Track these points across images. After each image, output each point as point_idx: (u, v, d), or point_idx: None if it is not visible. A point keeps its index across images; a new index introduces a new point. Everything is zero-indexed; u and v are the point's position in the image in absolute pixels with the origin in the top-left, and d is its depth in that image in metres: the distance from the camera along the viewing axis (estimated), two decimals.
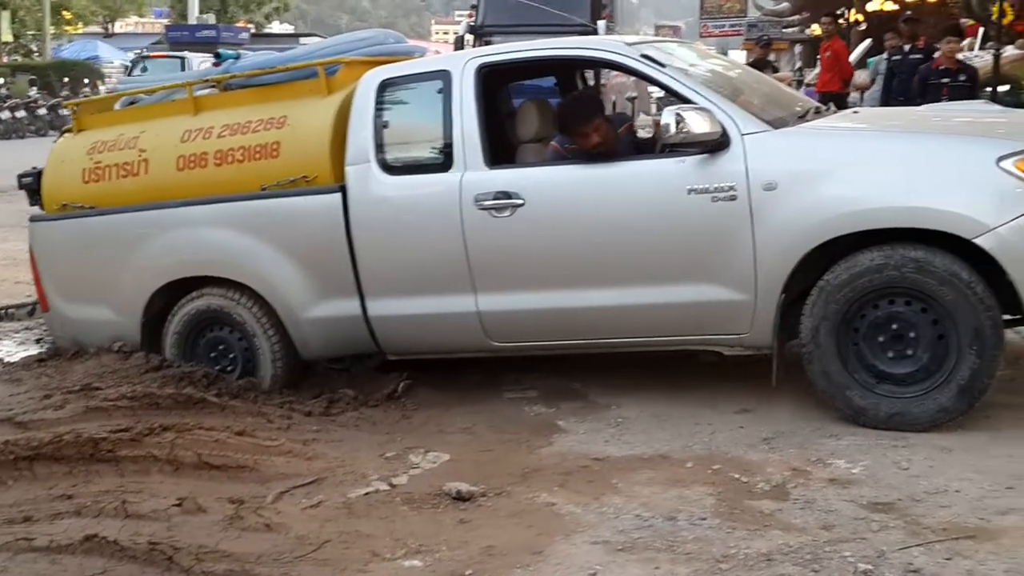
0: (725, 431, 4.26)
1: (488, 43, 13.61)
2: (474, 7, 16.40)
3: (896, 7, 19.89)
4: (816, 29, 21.49)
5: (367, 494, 3.77)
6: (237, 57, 5.60)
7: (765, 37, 13.80)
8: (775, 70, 14.39)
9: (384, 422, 4.65)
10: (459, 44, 16.44)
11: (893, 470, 3.72)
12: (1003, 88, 10.51)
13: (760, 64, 11.93)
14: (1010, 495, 3.46)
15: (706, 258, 4.41)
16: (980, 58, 11.81)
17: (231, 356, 5.21)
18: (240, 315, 5.11)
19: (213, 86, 5.48)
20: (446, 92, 4.85)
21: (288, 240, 5.01)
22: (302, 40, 22.74)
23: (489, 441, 4.33)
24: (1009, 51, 11.41)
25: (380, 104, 4.95)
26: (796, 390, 4.47)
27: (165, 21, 44.49)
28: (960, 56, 9.68)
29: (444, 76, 4.90)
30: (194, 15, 33.07)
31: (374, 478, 3.92)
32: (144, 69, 20.88)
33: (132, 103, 5.83)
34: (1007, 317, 4.22)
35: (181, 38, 27.22)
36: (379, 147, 4.90)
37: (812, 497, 3.55)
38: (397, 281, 4.89)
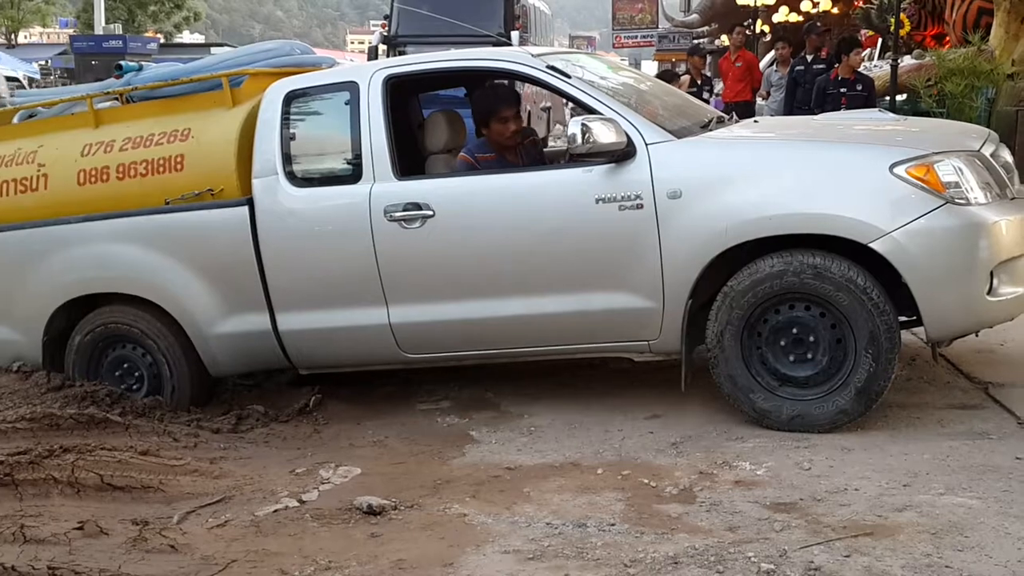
0: (635, 437, 4.31)
1: (402, 53, 13.62)
2: (387, 17, 16.39)
3: (801, 19, 20.47)
4: (726, 40, 21.97)
5: (276, 511, 3.72)
6: (139, 69, 5.48)
7: (699, 46, 14.03)
8: (676, 77, 14.75)
9: (294, 437, 4.60)
10: (372, 54, 16.40)
11: (795, 471, 3.81)
12: (901, 97, 10.86)
13: (683, 77, 12.13)
14: (907, 492, 3.57)
15: (615, 266, 4.46)
16: (879, 68, 12.19)
17: (137, 374, 5.10)
18: (145, 332, 5.01)
19: (115, 99, 5.37)
20: (354, 103, 4.83)
21: (194, 255, 4.93)
22: (213, 50, 22.41)
23: (401, 453, 4.31)
24: (906, 61, 11.79)
25: (287, 116, 4.90)
26: (704, 395, 4.55)
27: (71, 31, 43.37)
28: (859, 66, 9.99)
29: (352, 87, 4.87)
30: (100, 25, 32.35)
31: (283, 495, 3.87)
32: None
33: (31, 116, 5.68)
34: (904, 319, 4.37)
35: (87, 49, 26.59)
36: (286, 159, 4.86)
37: (718, 499, 3.61)
38: (307, 295, 4.85)
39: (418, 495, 3.81)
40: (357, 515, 3.64)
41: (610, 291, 4.49)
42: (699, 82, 11.67)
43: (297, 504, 3.78)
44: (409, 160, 5.00)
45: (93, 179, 5.09)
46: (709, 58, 12.85)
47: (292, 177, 4.85)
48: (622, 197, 4.40)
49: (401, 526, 3.56)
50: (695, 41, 25.44)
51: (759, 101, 12.70)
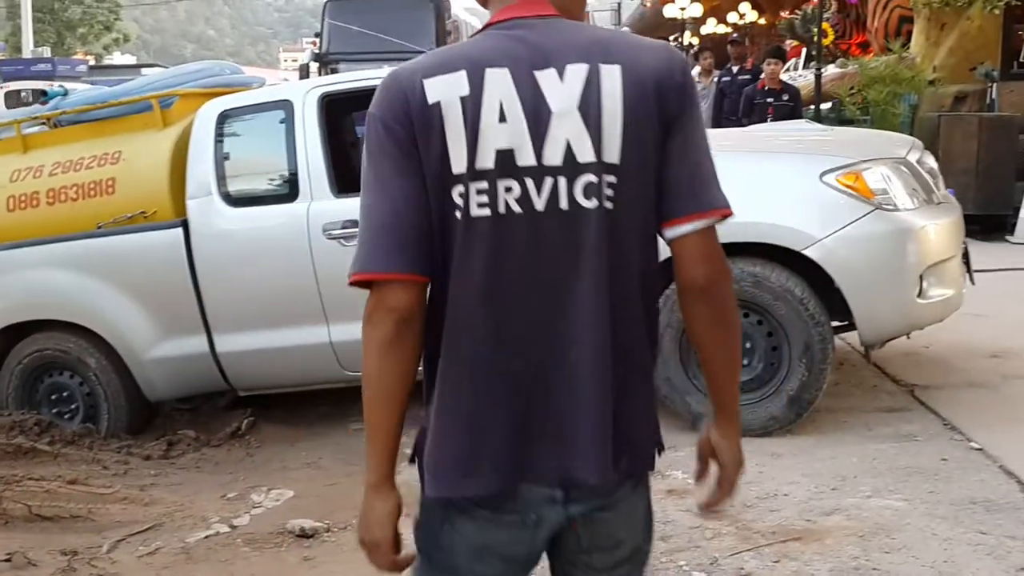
0: None
1: (334, 71, 13.51)
2: (319, 35, 16.30)
3: (729, 30, 20.79)
4: None
5: (207, 537, 3.67)
6: (65, 93, 5.42)
7: None
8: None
9: (226, 462, 4.55)
10: (304, 72, 16.32)
11: None
12: (825, 106, 11.03)
13: None
14: (835, 495, 3.61)
15: None
16: (803, 77, 12.37)
17: (73, 401, 5.02)
18: (80, 358, 4.93)
19: (43, 123, 5.29)
20: (288, 122, 4.81)
21: (128, 279, 4.87)
22: (144, 71, 22.17)
23: (335, 474, 4.27)
24: (830, 70, 11.98)
25: (220, 136, 4.87)
26: None
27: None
28: (784, 77, 10.15)
29: (286, 106, 4.85)
30: (28, 48, 31.87)
31: (214, 520, 3.82)
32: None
33: None
34: (836, 323, 4.42)
35: (15, 73, 26.09)
36: (221, 179, 4.82)
37: None
38: (246, 315, 4.80)
39: (352, 516, 3.72)
40: (290, 539, 3.61)
41: None
42: None
43: (228, 529, 3.74)
44: (347, 177, 4.98)
45: (23, 205, 5.02)
46: None
47: (227, 197, 4.81)
48: None
49: (335, 548, 3.53)
50: None
51: None
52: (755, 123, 8.32)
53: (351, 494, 4.03)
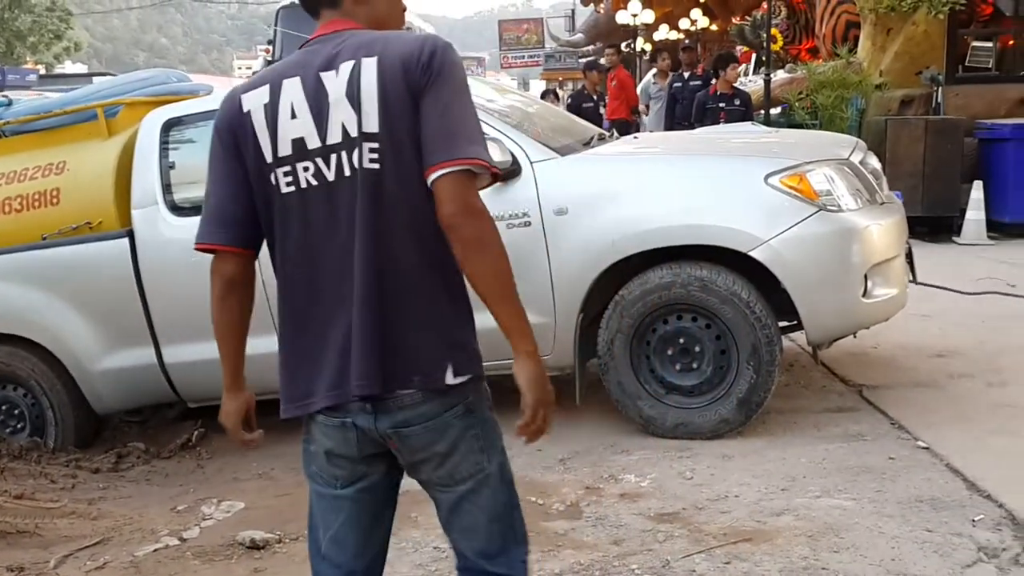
0: (523, 455, 4.25)
1: None
2: (271, 42, 16.21)
3: (681, 36, 20.98)
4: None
5: (156, 551, 3.62)
6: (9, 103, 5.33)
7: (596, 62, 14.26)
8: (557, 97, 15.07)
9: (177, 474, 4.50)
10: None
11: (678, 480, 3.86)
12: (775, 110, 11.16)
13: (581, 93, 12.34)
14: (784, 496, 3.64)
15: None
16: (753, 83, 12.51)
17: (20, 415, 4.93)
18: (25, 372, 4.84)
19: None
20: None
21: (74, 290, 4.80)
22: (95, 79, 21.86)
23: (287, 485, 4.22)
24: (780, 75, 12.12)
25: (165, 144, 4.81)
26: (592, 411, 4.58)
27: None
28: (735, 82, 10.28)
29: None
30: None
31: (163, 533, 3.77)
32: None
33: None
34: (784, 324, 4.46)
35: None
36: (166, 188, 4.77)
37: (604, 513, 3.63)
38: (194, 325, 4.69)
39: (304, 527, 3.67)
40: (240, 550, 3.56)
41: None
42: (595, 97, 11.87)
43: (178, 542, 3.69)
44: None
45: None
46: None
47: (173, 206, 4.75)
48: (510, 215, 4.40)
49: (286, 559, 3.49)
50: (581, 60, 25.88)
51: (644, 117, 12.98)
52: (706, 127, 8.39)
53: (303, 504, 3.97)
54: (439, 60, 1.81)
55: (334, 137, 1.82)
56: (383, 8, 1.96)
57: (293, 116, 1.84)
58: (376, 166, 1.80)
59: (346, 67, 1.81)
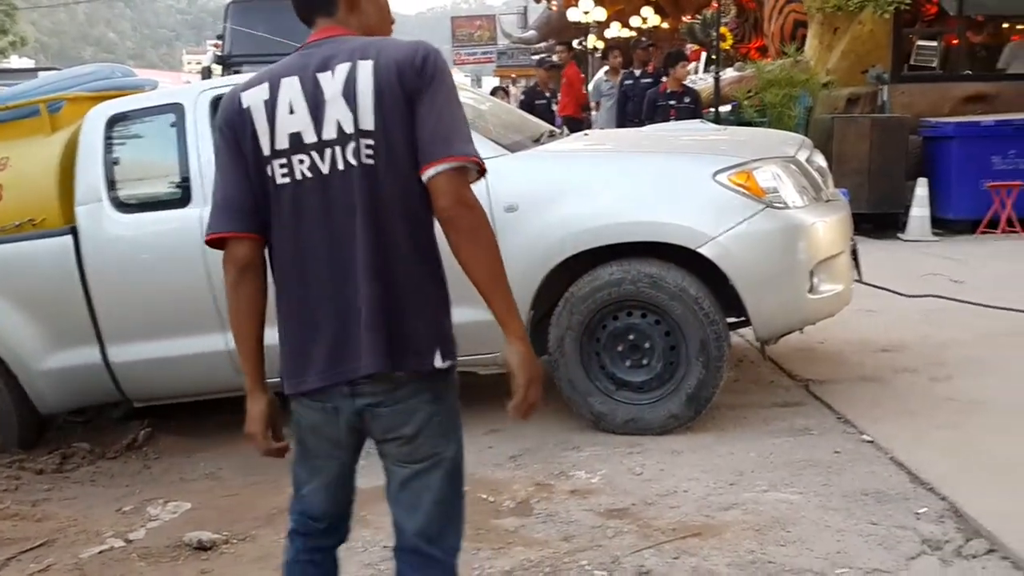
0: (474, 452, 4.24)
1: (237, 72, 13.30)
2: (221, 37, 16.02)
3: (633, 34, 21.08)
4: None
5: (101, 552, 3.57)
6: None
7: (548, 59, 14.27)
8: (507, 94, 15.13)
9: (122, 474, 4.43)
10: (206, 74, 16.04)
11: (628, 476, 3.88)
12: (725, 108, 11.27)
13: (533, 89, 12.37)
14: (732, 490, 3.67)
15: (458, 281, 4.43)
16: (703, 81, 12.62)
17: None
18: None
19: None
20: (180, 125, 4.70)
21: (16, 288, 4.71)
22: (41, 74, 21.46)
23: (235, 485, 4.19)
24: (729, 73, 12.24)
25: (110, 140, 4.74)
26: (545, 408, 4.54)
27: None
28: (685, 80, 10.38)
29: (177, 109, 4.74)
30: None
31: (109, 535, 3.71)
32: None
33: None
34: (732, 320, 4.51)
35: None
36: (111, 184, 4.70)
37: (554, 510, 3.64)
38: (139, 324, 4.67)
39: (252, 527, 3.71)
40: (187, 551, 3.52)
41: (455, 305, 4.46)
42: (548, 94, 11.90)
43: (123, 544, 3.64)
44: None
45: None
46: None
47: (117, 203, 4.68)
48: None
49: (233, 560, 3.46)
50: (534, 57, 25.90)
51: (594, 114, 13.06)
52: (657, 124, 8.44)
53: (252, 505, 3.97)
54: (431, 65, 1.95)
55: (329, 133, 1.94)
56: (374, 17, 2.12)
57: (291, 112, 1.96)
58: (371, 161, 1.92)
59: (342, 68, 1.94)
